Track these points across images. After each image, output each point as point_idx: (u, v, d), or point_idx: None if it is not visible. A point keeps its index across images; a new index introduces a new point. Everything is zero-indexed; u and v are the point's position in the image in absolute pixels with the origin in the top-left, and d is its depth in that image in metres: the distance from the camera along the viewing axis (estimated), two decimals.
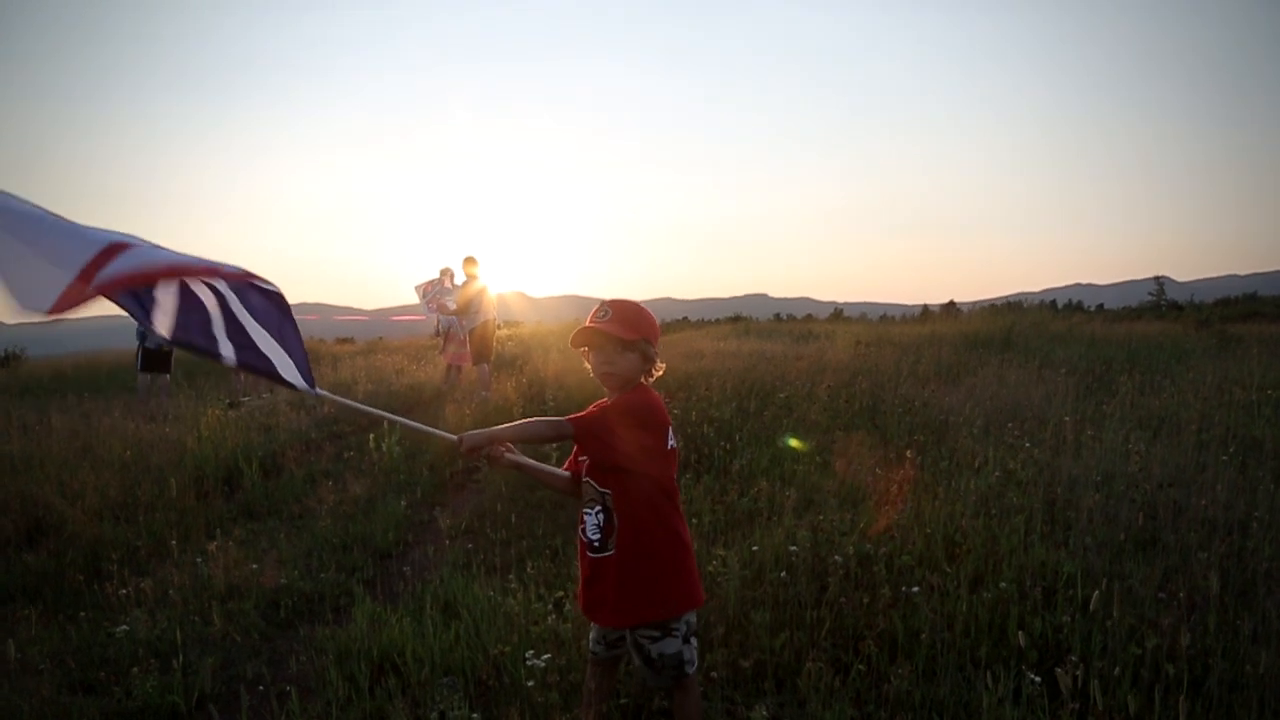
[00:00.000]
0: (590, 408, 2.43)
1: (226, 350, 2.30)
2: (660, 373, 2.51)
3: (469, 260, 10.61)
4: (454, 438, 2.36)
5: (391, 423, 2.78)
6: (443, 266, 11.85)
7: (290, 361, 2.48)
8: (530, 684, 2.93)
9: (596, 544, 2.41)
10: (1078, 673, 2.59)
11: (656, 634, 2.39)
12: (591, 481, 2.42)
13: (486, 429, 2.36)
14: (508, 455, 2.49)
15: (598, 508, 2.41)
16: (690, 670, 2.44)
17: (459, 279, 11.19)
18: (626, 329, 2.38)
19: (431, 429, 2.63)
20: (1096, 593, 3.09)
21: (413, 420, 2.78)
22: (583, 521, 2.46)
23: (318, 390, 2.51)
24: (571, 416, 2.38)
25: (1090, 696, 2.74)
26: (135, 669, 3.48)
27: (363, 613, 3.77)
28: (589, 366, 2.50)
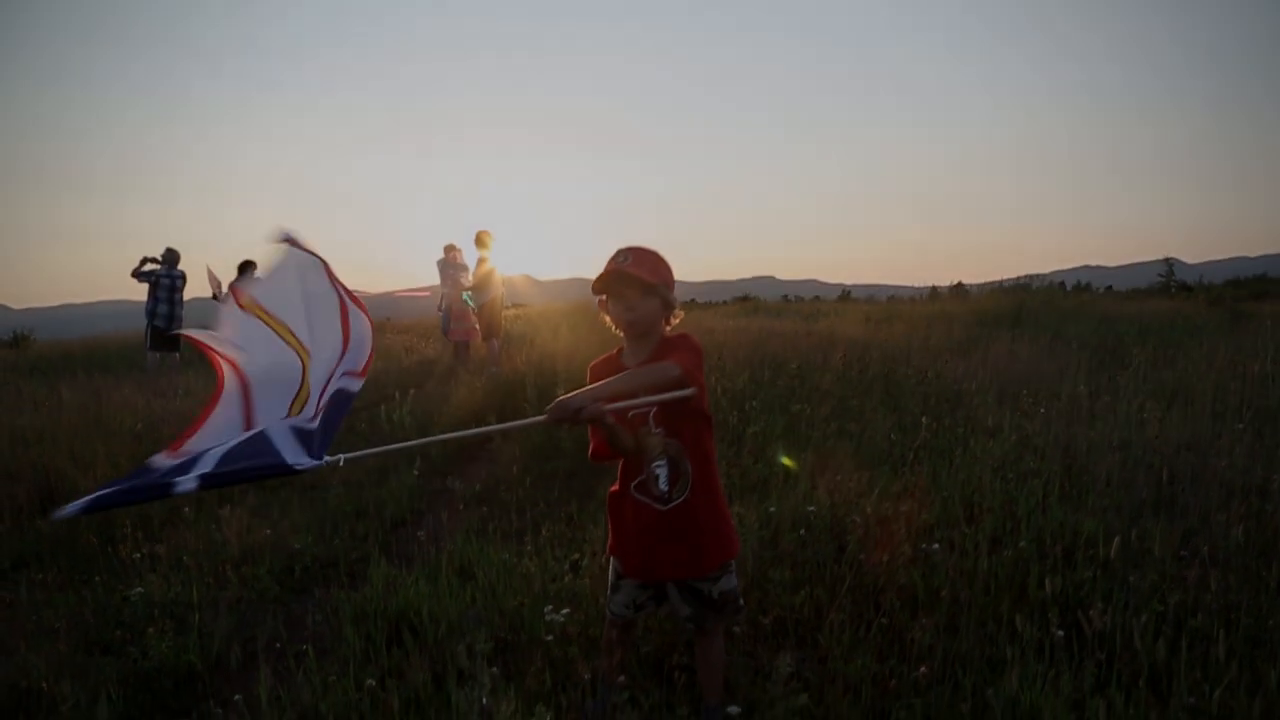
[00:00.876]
0: (652, 361, 2.32)
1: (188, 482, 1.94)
2: (679, 320, 2.46)
3: (482, 236, 10.53)
4: (542, 417, 2.14)
5: (485, 434, 2.60)
6: (446, 244, 11.86)
7: (306, 437, 2.15)
8: (549, 638, 2.92)
9: (666, 495, 2.34)
10: (1105, 617, 2.56)
11: (718, 573, 2.43)
12: (661, 431, 2.32)
13: (582, 389, 2.17)
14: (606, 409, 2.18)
15: (665, 459, 2.33)
16: (741, 603, 2.53)
17: (467, 254, 11.17)
18: (647, 272, 2.31)
19: (521, 421, 2.38)
20: (1118, 539, 3.06)
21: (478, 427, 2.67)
22: (644, 474, 2.36)
23: (327, 458, 2.10)
24: (675, 361, 2.24)
25: (1114, 648, 2.73)
26: (151, 629, 3.48)
27: (379, 574, 3.76)
28: (606, 317, 2.44)
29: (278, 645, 3.39)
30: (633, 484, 2.40)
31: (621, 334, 2.44)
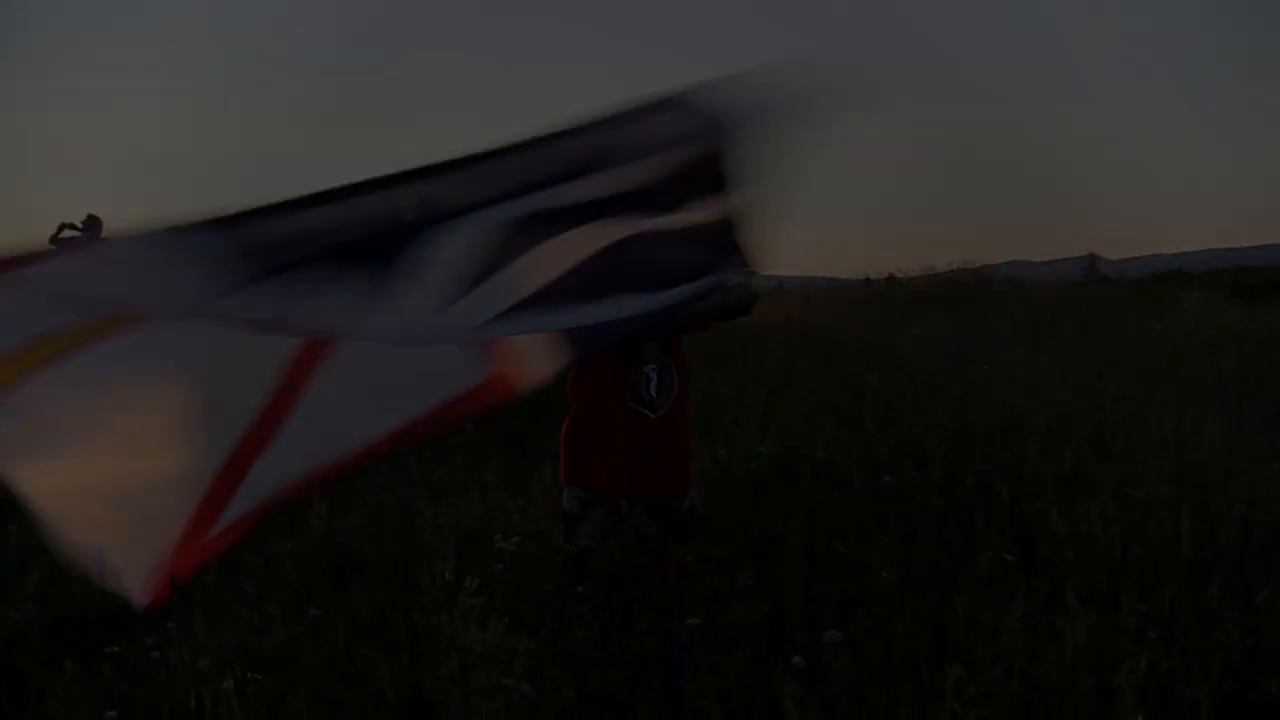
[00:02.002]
0: None
1: None
2: None
3: None
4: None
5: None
6: None
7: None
8: (500, 567, 2.84)
9: (655, 402, 2.34)
10: (1064, 522, 2.61)
11: (685, 489, 2.45)
12: (654, 340, 2.34)
13: None
14: None
15: (655, 367, 2.33)
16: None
17: None
18: None
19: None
20: (1069, 452, 3.12)
21: None
22: (634, 379, 2.32)
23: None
24: None
25: (1065, 570, 2.78)
26: (73, 572, 3.29)
27: (317, 517, 3.63)
28: None
29: (212, 582, 3.23)
30: (616, 388, 2.35)
31: None
